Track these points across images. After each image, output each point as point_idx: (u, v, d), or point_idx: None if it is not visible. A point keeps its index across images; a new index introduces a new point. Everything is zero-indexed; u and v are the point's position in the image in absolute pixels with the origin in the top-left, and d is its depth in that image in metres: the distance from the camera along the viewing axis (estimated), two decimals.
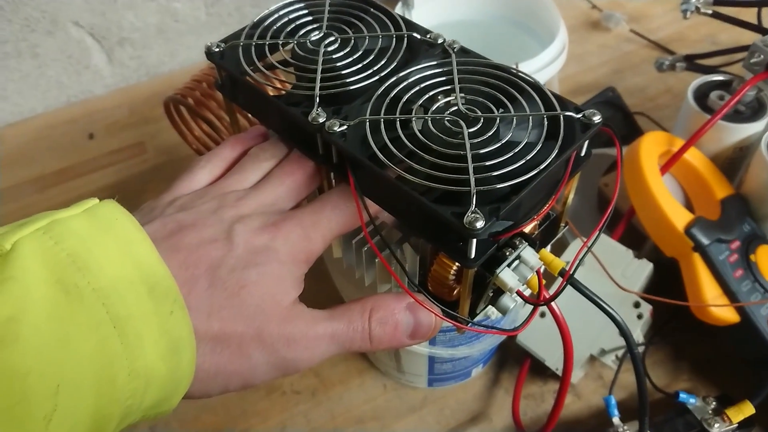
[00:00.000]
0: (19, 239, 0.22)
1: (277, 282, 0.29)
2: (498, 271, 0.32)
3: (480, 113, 0.33)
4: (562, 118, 0.33)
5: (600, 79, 0.71)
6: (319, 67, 0.36)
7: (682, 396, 0.43)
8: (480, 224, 0.28)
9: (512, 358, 0.50)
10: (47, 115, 0.73)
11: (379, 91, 0.35)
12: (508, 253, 0.33)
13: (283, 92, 0.36)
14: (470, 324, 0.33)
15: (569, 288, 0.38)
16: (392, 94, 0.34)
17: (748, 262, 0.43)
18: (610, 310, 0.35)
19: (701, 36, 0.75)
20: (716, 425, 0.42)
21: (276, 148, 0.36)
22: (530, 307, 0.34)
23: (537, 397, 0.48)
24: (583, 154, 0.35)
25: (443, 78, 0.35)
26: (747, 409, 0.42)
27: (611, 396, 0.41)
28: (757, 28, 0.57)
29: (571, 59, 0.74)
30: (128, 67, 0.74)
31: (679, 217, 0.44)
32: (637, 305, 0.45)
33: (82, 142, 0.69)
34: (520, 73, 0.35)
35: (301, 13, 0.40)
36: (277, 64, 0.37)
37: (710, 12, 0.60)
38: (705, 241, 0.43)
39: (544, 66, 0.50)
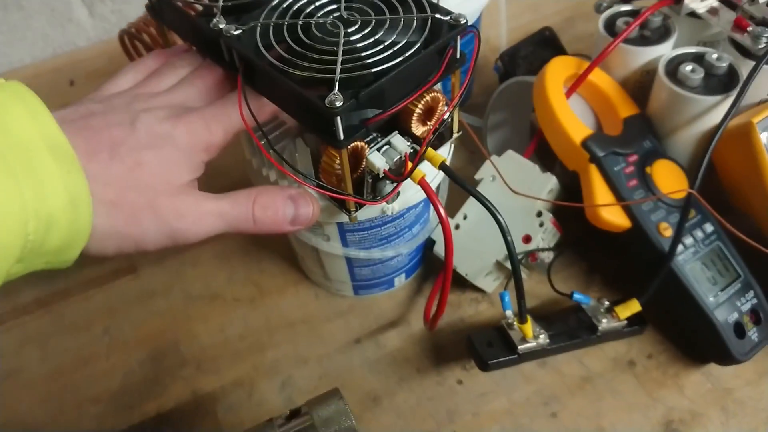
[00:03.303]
0: None
1: (171, 164, 0.33)
2: (368, 153, 0.36)
3: (359, 17, 0.37)
4: (430, 19, 0.36)
5: (552, 26, 0.73)
6: None
7: (576, 296, 0.46)
8: (339, 104, 0.32)
9: (436, 272, 0.54)
10: (34, 65, 0.79)
11: (274, 2, 0.39)
12: (379, 139, 0.37)
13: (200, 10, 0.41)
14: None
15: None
16: (285, 4, 0.39)
17: (643, 174, 0.46)
18: (485, 201, 0.38)
19: None
20: (604, 320, 0.45)
21: (193, 57, 0.40)
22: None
23: (454, 304, 0.52)
24: (458, 56, 0.38)
25: None
26: (634, 306, 0.45)
27: (506, 292, 0.45)
28: None
29: (527, 9, 0.77)
30: (109, 21, 0.79)
31: (577, 132, 0.47)
32: (539, 215, 0.48)
33: (64, 88, 0.74)
34: None
35: None
36: None
37: None
38: (600, 152, 0.46)
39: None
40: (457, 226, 0.51)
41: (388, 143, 0.36)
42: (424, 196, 0.44)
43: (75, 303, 0.55)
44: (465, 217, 0.51)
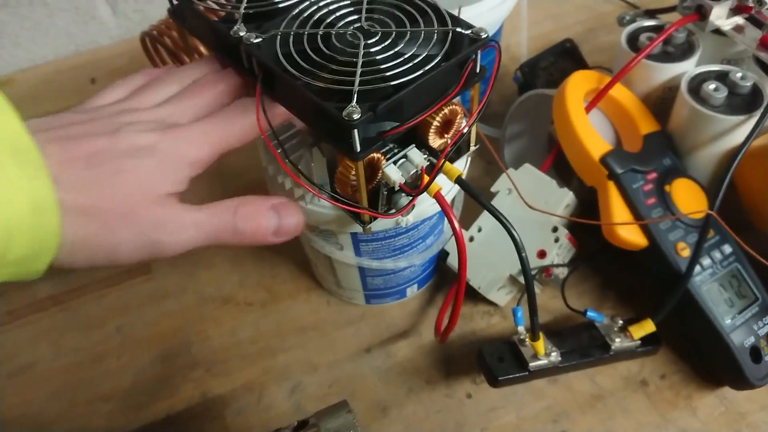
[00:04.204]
0: None
1: (152, 175, 0.31)
2: (384, 166, 0.36)
3: (379, 29, 0.37)
4: (451, 33, 0.36)
5: (573, 37, 0.73)
6: None
7: (590, 314, 0.45)
8: (356, 116, 0.32)
9: (449, 283, 0.53)
10: (57, 62, 0.79)
11: (296, 11, 0.39)
12: (396, 151, 0.36)
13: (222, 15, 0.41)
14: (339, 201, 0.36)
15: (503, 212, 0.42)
16: (306, 14, 0.39)
17: (662, 192, 0.46)
18: (500, 216, 0.38)
19: None
20: (618, 339, 0.45)
21: (182, 74, 0.37)
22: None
23: (466, 316, 0.51)
24: (477, 70, 0.38)
25: (355, 1, 0.39)
26: (648, 327, 0.45)
27: (519, 307, 0.44)
28: None
29: (549, 18, 0.77)
30: (132, 20, 0.80)
31: (596, 148, 0.46)
32: (555, 230, 0.48)
33: (85, 86, 0.75)
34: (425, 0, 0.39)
35: None
36: None
37: None
38: (618, 169, 0.46)
39: (487, 10, 0.53)
40: (471, 239, 0.50)
41: (405, 156, 0.36)
42: (439, 208, 0.44)
43: (89, 301, 0.56)
44: (479, 230, 0.50)
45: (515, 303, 0.50)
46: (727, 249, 0.46)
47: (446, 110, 0.39)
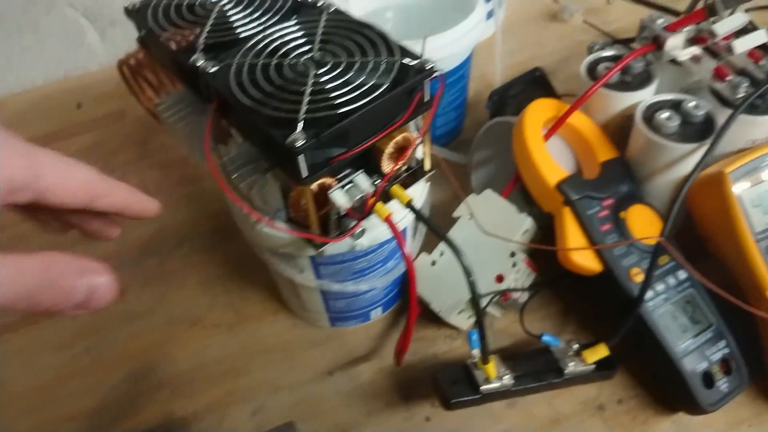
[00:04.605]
0: None
1: None
2: (331, 191, 0.37)
3: (330, 59, 0.38)
4: (398, 64, 0.38)
5: (548, 65, 0.74)
6: (210, 21, 0.42)
7: (545, 338, 0.46)
8: (300, 143, 0.33)
9: None
10: (47, 86, 0.82)
11: (252, 42, 0.40)
12: (343, 177, 0.38)
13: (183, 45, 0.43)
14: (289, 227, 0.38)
15: (463, 237, 0.43)
16: (262, 45, 0.40)
17: (617, 218, 0.47)
18: (448, 240, 0.39)
19: None
20: (572, 363, 0.45)
21: None
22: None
23: (429, 339, 0.52)
24: (426, 99, 0.39)
25: (311, 31, 0.41)
26: (601, 351, 0.45)
27: (474, 331, 0.45)
28: (675, 13, 0.60)
29: (526, 46, 0.78)
30: (119, 47, 0.82)
31: (553, 174, 0.47)
32: (512, 255, 0.49)
33: (71, 111, 0.77)
34: (375, 30, 0.40)
35: None
36: (177, 21, 0.43)
37: None
38: (574, 195, 0.46)
39: (451, 41, 0.55)
40: (433, 263, 0.51)
41: (352, 182, 0.37)
42: (389, 236, 0.44)
43: (61, 321, 0.57)
44: (441, 254, 0.51)
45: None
46: (682, 275, 0.46)
47: (399, 137, 0.40)
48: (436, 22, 0.55)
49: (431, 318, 0.52)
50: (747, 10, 0.72)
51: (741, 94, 0.46)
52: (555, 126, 0.50)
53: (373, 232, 0.43)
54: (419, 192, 0.46)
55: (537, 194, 0.49)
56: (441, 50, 0.55)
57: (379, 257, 0.47)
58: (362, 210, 0.38)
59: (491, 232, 0.46)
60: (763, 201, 0.44)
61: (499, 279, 0.48)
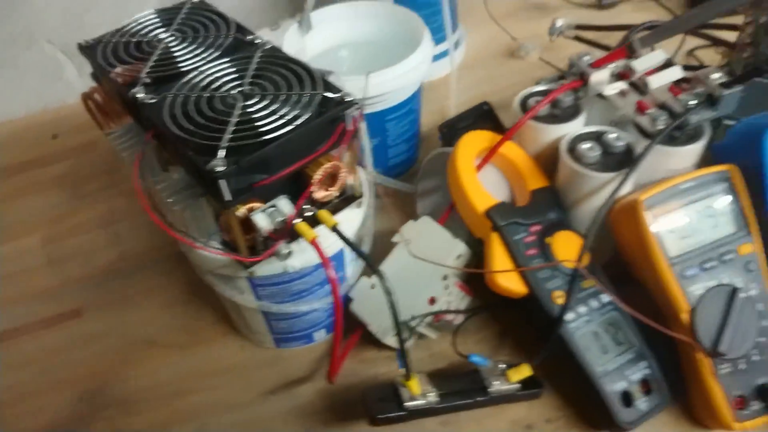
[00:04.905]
0: None
1: None
2: (252, 214, 0.39)
3: (258, 92, 0.41)
4: (320, 96, 0.41)
5: (502, 99, 0.77)
6: (154, 57, 0.45)
7: (473, 358, 0.48)
8: (220, 169, 0.36)
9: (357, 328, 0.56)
10: (27, 118, 0.85)
11: (190, 76, 0.44)
12: (266, 201, 0.40)
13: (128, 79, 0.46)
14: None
15: (400, 261, 0.49)
16: (198, 79, 0.43)
17: (543, 243, 0.49)
18: (372, 265, 0.41)
19: None
20: (497, 383, 0.47)
21: None
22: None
23: (370, 360, 0.54)
24: (349, 128, 0.42)
25: (244, 67, 0.44)
26: (525, 371, 0.47)
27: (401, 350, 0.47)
28: (606, 48, 0.63)
29: (484, 81, 0.82)
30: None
31: (482, 202, 0.50)
32: (445, 278, 0.51)
33: (46, 141, 0.80)
34: (303, 66, 0.43)
35: (157, 20, 0.50)
36: (125, 57, 0.47)
37: (573, 35, 0.67)
38: (501, 222, 0.49)
39: (394, 77, 0.58)
40: (372, 286, 0.53)
41: (274, 205, 0.40)
42: (332, 254, 0.47)
43: (24, 342, 0.59)
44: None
45: (417, 351, 0.53)
46: (606, 298, 0.48)
47: (328, 165, 0.43)
48: (390, 58, 0.58)
49: (373, 339, 0.53)
50: (692, 51, 0.76)
51: (660, 126, 0.48)
52: (487, 156, 0.52)
53: (306, 254, 0.45)
54: (354, 217, 0.49)
55: (468, 221, 0.51)
56: (385, 85, 0.58)
57: (316, 279, 0.49)
58: (284, 232, 0.40)
59: (421, 256, 0.49)
60: (677, 227, 0.46)
61: (432, 301, 0.51)
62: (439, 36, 0.75)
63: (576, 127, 0.52)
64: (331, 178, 0.45)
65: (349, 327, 0.57)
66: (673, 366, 0.48)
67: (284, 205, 0.40)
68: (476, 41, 0.88)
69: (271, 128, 0.38)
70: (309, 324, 0.53)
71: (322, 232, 0.42)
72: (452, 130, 0.65)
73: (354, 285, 0.53)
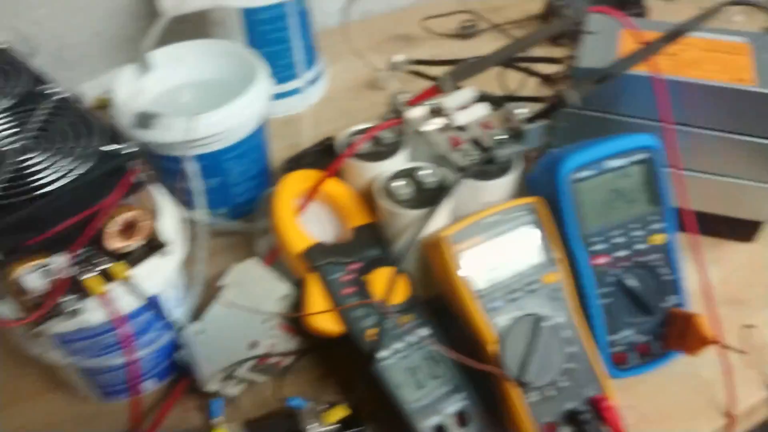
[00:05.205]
0: None
1: None
2: (23, 273, 0.38)
3: (38, 146, 0.40)
4: (99, 149, 0.40)
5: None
6: None
7: (292, 401, 0.48)
8: None
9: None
10: None
11: None
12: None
13: None
14: None
15: (221, 306, 0.49)
16: None
17: (360, 281, 0.49)
18: (161, 308, 0.40)
19: None
20: (313, 426, 0.46)
21: None
22: None
23: (201, 409, 0.52)
24: (133, 180, 0.41)
25: (25, 119, 0.43)
26: (341, 411, 0.47)
27: (219, 399, 0.46)
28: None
29: (343, 115, 0.82)
30: None
31: (298, 243, 0.50)
32: (267, 321, 0.50)
33: None
34: (86, 117, 0.43)
35: None
36: None
37: (410, 70, 0.68)
38: (317, 262, 0.49)
39: (225, 117, 0.57)
40: (198, 332, 0.52)
41: (45, 264, 0.39)
42: (136, 305, 0.46)
43: None
44: (207, 322, 0.52)
45: (246, 392, 0.52)
46: (424, 332, 0.49)
47: (128, 215, 0.42)
48: (232, 97, 0.58)
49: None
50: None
51: (469, 162, 0.50)
52: (308, 196, 0.53)
53: (112, 306, 0.44)
54: (167, 265, 0.48)
55: (288, 262, 0.51)
56: (217, 126, 0.58)
57: (133, 329, 0.48)
58: (60, 290, 0.39)
59: (245, 299, 0.49)
60: (483, 261, 0.48)
61: (253, 345, 0.50)
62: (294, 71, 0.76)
63: (397, 163, 0.53)
64: (131, 228, 0.44)
65: (183, 374, 0.56)
66: (493, 396, 0.49)
67: (57, 261, 0.39)
68: (339, 73, 0.89)
69: (43, 183, 0.37)
70: (134, 375, 0.52)
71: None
72: (296, 166, 0.65)
73: (183, 331, 0.52)
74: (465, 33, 0.94)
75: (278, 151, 0.71)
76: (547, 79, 0.63)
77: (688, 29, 0.45)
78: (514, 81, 0.79)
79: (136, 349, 0.48)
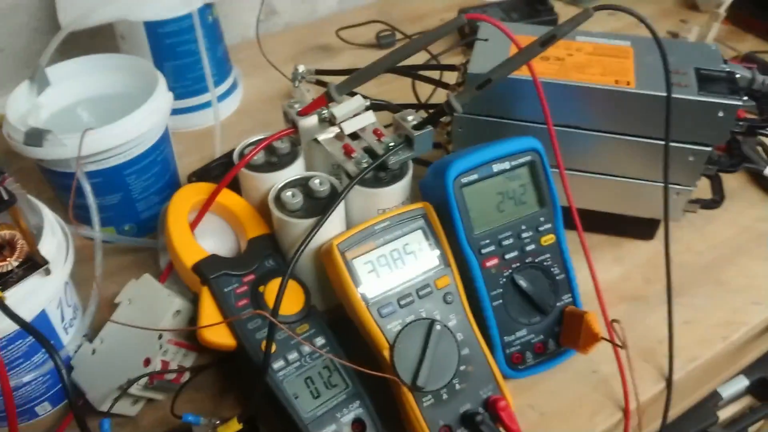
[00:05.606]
0: None
1: None
2: None
3: None
4: None
5: None
6: None
7: (187, 418, 0.47)
8: None
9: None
10: None
11: None
12: None
13: None
14: None
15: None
16: None
17: (256, 293, 0.49)
18: (39, 336, 0.39)
19: None
20: None
21: None
22: None
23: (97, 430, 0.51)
24: (5, 198, 0.40)
25: None
26: (234, 426, 0.46)
27: (107, 419, 0.45)
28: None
29: (259, 126, 0.82)
30: None
31: (191, 255, 0.49)
32: (160, 337, 0.50)
33: None
34: None
35: None
36: None
37: (314, 80, 0.68)
38: (210, 275, 0.48)
39: (123, 131, 0.56)
40: (93, 351, 0.51)
41: None
42: (11, 330, 0.44)
43: None
44: (102, 341, 0.51)
45: (147, 410, 0.51)
46: (320, 341, 0.49)
47: (4, 233, 0.40)
48: (132, 110, 0.57)
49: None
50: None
51: (360, 169, 0.50)
52: (203, 209, 0.52)
53: None
54: (48, 285, 0.46)
55: (182, 276, 0.50)
56: (111, 140, 0.57)
57: (13, 354, 0.46)
58: None
59: (139, 315, 0.48)
60: (375, 268, 0.48)
61: (146, 362, 0.49)
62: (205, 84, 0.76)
63: (292, 173, 0.53)
64: (6, 248, 0.42)
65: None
66: (392, 402, 0.49)
67: None
68: (256, 85, 0.89)
69: None
70: (25, 400, 0.50)
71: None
72: (203, 179, 0.65)
73: (76, 352, 0.51)
74: (382, 43, 0.95)
75: (189, 165, 0.70)
76: (446, 86, 0.64)
77: (561, 34, 0.46)
78: (429, 90, 0.80)
79: (15, 376, 0.47)
